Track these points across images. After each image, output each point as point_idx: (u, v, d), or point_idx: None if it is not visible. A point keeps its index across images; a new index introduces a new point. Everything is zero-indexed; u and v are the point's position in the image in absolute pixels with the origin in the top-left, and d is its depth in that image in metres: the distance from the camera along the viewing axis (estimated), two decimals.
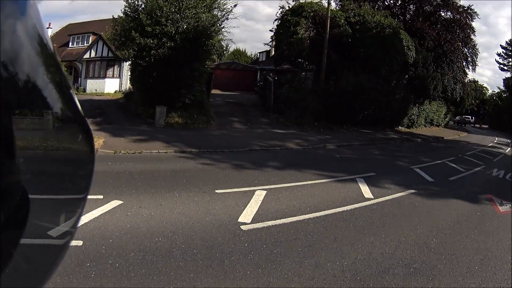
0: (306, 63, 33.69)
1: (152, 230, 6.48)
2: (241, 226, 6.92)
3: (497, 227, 9.36)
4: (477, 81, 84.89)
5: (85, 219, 6.34)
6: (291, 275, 5.42)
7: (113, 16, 23.17)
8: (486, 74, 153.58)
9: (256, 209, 7.92)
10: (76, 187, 1.02)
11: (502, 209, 11.09)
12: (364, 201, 9.68)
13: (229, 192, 8.91)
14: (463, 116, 79.85)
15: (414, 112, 38.23)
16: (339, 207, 8.88)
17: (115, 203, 7.58)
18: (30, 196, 0.79)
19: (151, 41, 19.65)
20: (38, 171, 0.91)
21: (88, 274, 4.74)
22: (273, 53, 41.57)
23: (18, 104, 0.78)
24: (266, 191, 9.23)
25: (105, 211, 7.13)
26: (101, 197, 7.73)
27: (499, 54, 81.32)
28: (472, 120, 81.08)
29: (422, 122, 41.29)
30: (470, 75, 74.64)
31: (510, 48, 78.39)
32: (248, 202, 8.30)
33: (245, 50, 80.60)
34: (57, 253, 0.96)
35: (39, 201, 0.87)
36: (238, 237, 6.46)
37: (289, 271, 5.52)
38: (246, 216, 7.48)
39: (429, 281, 5.97)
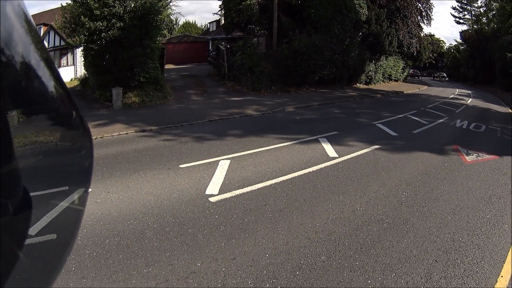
0: (257, 28, 33.83)
1: (123, 214, 6.48)
2: (209, 199, 7.03)
3: (466, 176, 9.77)
4: (434, 35, 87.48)
5: (54, 212, 6.26)
6: (265, 242, 5.58)
7: (61, 4, 22.76)
8: (443, 27, 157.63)
9: (222, 180, 8.03)
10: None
11: (469, 158, 11.61)
12: (329, 161, 9.94)
13: (193, 166, 8.95)
14: (439, 73, 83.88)
15: (371, 69, 38.98)
16: (305, 168, 9.11)
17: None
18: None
19: (101, 24, 19.44)
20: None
21: (69, 268, 4.73)
22: (223, 22, 41.36)
23: (17, 86, 0.81)
24: (230, 160, 9.38)
25: None
26: (67, 188, 7.56)
27: (454, 8, 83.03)
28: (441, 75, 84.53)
29: (380, 78, 42.34)
30: (426, 29, 76.52)
31: (465, 2, 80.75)
32: (213, 174, 8.40)
33: (195, 22, 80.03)
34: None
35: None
36: (208, 210, 6.55)
37: (263, 238, 5.69)
38: (213, 187, 7.59)
39: (404, 235, 6.22)
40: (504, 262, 5.75)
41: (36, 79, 0.88)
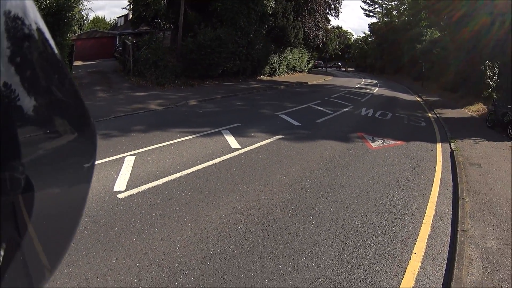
0: (164, 22, 33.82)
1: None
2: (117, 195, 7.01)
3: (371, 162, 10.29)
4: (341, 27, 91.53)
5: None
6: (174, 235, 5.68)
7: None
8: (351, 20, 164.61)
9: (129, 176, 8.00)
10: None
11: (374, 145, 12.15)
12: (232, 152, 10.11)
13: (100, 163, 8.72)
14: (333, 63, 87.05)
15: (276, 61, 39.78)
16: (208, 161, 9.24)
17: None
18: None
19: None
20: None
21: None
22: (131, 16, 40.49)
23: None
24: (135, 156, 9.33)
25: None
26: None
27: (364, 1, 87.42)
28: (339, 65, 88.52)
29: (285, 69, 43.55)
30: (334, 22, 79.77)
31: None
32: (120, 170, 8.33)
33: (104, 17, 77.61)
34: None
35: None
36: (117, 207, 6.55)
37: (171, 231, 5.78)
38: (120, 184, 7.55)
39: (310, 220, 6.46)
40: (416, 240, 6.14)
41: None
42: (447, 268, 5.40)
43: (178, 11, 28.22)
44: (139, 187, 7.36)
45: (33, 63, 0.94)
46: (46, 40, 1.00)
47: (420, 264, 5.43)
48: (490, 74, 24.49)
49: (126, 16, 51.43)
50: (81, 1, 22.40)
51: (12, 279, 0.89)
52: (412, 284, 4.92)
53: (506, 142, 14.27)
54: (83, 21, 63.84)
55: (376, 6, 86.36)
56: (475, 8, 25.90)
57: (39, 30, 0.95)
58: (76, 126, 1.12)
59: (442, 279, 5.15)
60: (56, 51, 1.04)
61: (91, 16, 73.01)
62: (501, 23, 23.28)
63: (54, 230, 1.09)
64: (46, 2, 19.41)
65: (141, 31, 36.90)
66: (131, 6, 34.44)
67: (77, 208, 1.17)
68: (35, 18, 0.93)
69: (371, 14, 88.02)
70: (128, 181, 7.65)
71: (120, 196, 6.93)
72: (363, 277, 4.93)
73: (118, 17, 60.34)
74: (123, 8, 56.87)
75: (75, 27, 35.47)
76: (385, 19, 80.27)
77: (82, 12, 30.07)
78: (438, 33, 47.26)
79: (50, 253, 1.05)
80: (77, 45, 33.96)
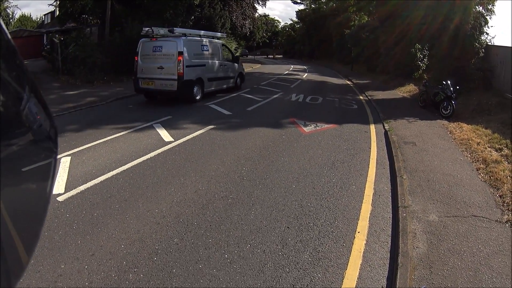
0: (91, 18, 33.27)
1: None
2: (57, 198, 6.87)
3: (306, 146, 10.50)
4: (268, 15, 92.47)
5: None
6: (117, 233, 5.66)
7: None
8: (278, 7, 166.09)
9: (66, 177, 7.86)
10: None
11: (307, 129, 12.37)
12: (165, 145, 10.11)
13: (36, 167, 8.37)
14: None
15: None
16: (143, 156, 9.23)
17: None
18: None
19: None
20: None
21: None
22: (58, 13, 39.20)
23: None
24: (70, 157, 9.17)
25: None
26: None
27: None
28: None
29: None
30: (261, 10, 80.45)
31: None
32: (57, 172, 8.13)
33: (30, 15, 74.38)
34: None
35: None
36: (58, 210, 6.43)
37: (115, 230, 5.76)
38: (59, 186, 7.40)
39: (250, 207, 6.58)
40: (358, 219, 6.35)
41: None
42: (392, 244, 5.63)
43: (105, 6, 27.73)
44: (77, 188, 7.26)
45: None
46: (4, 32, 1.03)
47: (365, 242, 5.62)
48: (420, 56, 25.43)
49: (53, 13, 50.50)
50: None
51: None
52: (360, 262, 5.10)
53: (439, 121, 14.81)
54: (9, 20, 61.63)
55: None
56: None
57: None
58: (39, 120, 1.17)
59: (389, 254, 5.37)
60: (10, 37, 1.06)
61: (17, 15, 70.48)
62: (427, 14, 24.12)
63: (26, 221, 1.12)
64: None
65: (68, 27, 36.28)
66: (58, 3, 33.38)
67: (43, 202, 1.24)
68: None
69: (298, 1, 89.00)
70: (66, 182, 7.52)
71: (60, 198, 6.82)
72: (310, 259, 5.07)
73: (44, 14, 59.75)
74: (50, 4, 55.30)
75: None
76: (312, 6, 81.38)
77: (8, 10, 29.01)
78: (366, 18, 48.49)
79: (26, 243, 1.09)
80: None
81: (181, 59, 16.23)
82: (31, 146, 1.12)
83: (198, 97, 17.52)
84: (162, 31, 17.31)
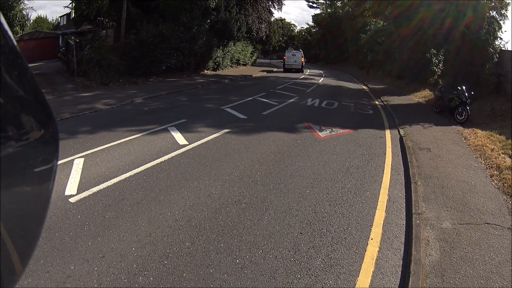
0: (106, 20, 33.18)
1: None
2: (69, 199, 6.88)
3: (320, 151, 10.43)
4: (284, 19, 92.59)
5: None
6: (129, 236, 5.65)
7: None
8: (294, 11, 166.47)
9: (79, 179, 7.86)
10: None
11: (322, 134, 12.30)
12: (180, 149, 10.06)
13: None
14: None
15: (219, 55, 39.71)
16: (157, 158, 9.19)
17: None
18: None
19: None
20: None
21: None
22: (73, 15, 39.73)
23: None
24: (84, 158, 9.18)
25: None
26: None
27: None
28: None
29: (228, 63, 43.70)
30: (277, 14, 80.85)
31: None
32: (70, 173, 8.16)
33: (46, 17, 75.28)
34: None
35: None
36: (70, 211, 6.43)
37: (126, 232, 5.74)
38: (71, 188, 7.41)
39: (263, 212, 6.53)
40: (371, 226, 6.29)
41: None
42: (405, 251, 5.58)
43: (121, 8, 27.78)
44: (90, 190, 7.25)
45: None
46: (6, 32, 1.01)
47: (378, 249, 5.58)
48: (435, 62, 25.23)
49: (68, 15, 50.56)
50: (22, 0, 21.74)
51: None
52: (372, 269, 5.05)
53: (453, 126, 14.74)
54: (25, 21, 62.29)
55: None
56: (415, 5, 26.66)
57: None
58: (41, 122, 1.15)
59: (401, 261, 5.32)
60: (15, 43, 1.04)
61: (33, 16, 71.15)
62: (442, 18, 24.02)
63: (22, 229, 1.09)
64: None
65: (84, 30, 36.16)
66: (73, 5, 33.54)
67: (42, 207, 1.18)
68: None
69: (314, 5, 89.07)
70: (78, 184, 7.51)
71: (72, 200, 6.81)
72: (322, 265, 5.02)
73: (60, 16, 59.84)
74: (65, 6, 55.77)
75: (17, 27, 34.51)
76: (328, 10, 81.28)
77: (24, 12, 29.22)
78: (382, 23, 48.42)
79: (20, 252, 1.06)
80: (20, 47, 33.09)
81: (303, 59, 46.81)
82: (29, 149, 1.08)
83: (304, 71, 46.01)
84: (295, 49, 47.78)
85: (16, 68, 1.02)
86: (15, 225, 1.03)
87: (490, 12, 22.78)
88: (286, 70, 45.86)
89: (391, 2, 30.81)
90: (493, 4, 22.90)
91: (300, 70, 46.00)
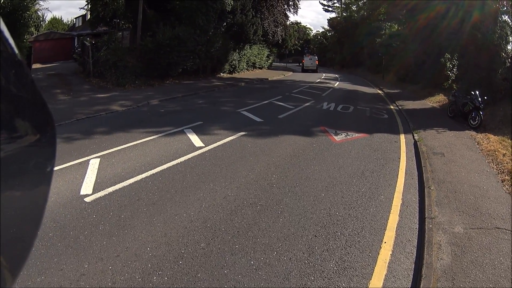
0: (122, 22, 33.48)
1: None
2: (84, 199, 6.95)
3: (336, 155, 10.43)
4: (300, 23, 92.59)
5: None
6: (144, 236, 5.68)
7: None
8: (310, 15, 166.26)
9: (95, 179, 7.93)
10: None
11: (338, 138, 12.31)
12: (196, 151, 10.11)
13: (65, 167, 8.65)
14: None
15: (235, 58, 40.12)
16: (173, 160, 9.24)
17: None
18: None
19: None
20: None
21: None
22: (89, 16, 39.90)
23: None
24: (100, 158, 9.25)
25: None
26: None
27: None
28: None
29: (244, 66, 43.95)
30: (293, 18, 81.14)
31: None
32: (85, 173, 8.25)
33: (61, 18, 75.73)
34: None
35: None
36: (85, 210, 6.49)
37: (141, 232, 5.78)
38: (87, 187, 7.49)
39: (278, 215, 6.54)
40: (385, 229, 6.29)
41: None
42: (417, 255, 5.59)
43: (137, 10, 27.85)
44: (105, 190, 7.31)
45: None
46: (6, 40, 1.00)
47: (391, 252, 5.58)
48: (449, 66, 25.11)
49: (84, 16, 50.74)
50: (37, 0, 21.88)
51: None
52: (385, 272, 5.05)
53: (467, 131, 14.64)
54: (40, 22, 62.67)
55: (335, 1, 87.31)
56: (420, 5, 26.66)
57: None
58: (38, 127, 1.15)
59: (413, 265, 5.32)
60: (16, 51, 1.04)
61: (48, 17, 71.63)
62: (455, 11, 23.94)
63: (15, 234, 1.09)
64: (0, 2, 18.91)
65: (99, 31, 36.40)
66: (89, 6, 33.75)
67: (38, 212, 1.19)
68: None
69: (330, 9, 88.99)
70: (94, 184, 7.59)
71: (87, 199, 6.87)
72: (335, 268, 5.03)
73: (75, 18, 60.06)
74: (81, 8, 56.50)
75: (32, 28, 34.78)
76: (344, 14, 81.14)
77: (39, 13, 29.43)
78: (396, 27, 48.26)
79: (11, 259, 1.06)
80: (35, 47, 33.51)
81: (317, 62, 61.07)
82: (25, 153, 1.10)
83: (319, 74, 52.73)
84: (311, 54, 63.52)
85: (16, 74, 1.03)
86: (9, 230, 1.02)
87: (503, 16, 22.59)
88: (304, 71, 58.42)
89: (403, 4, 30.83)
90: (505, 8, 22.69)
91: (315, 71, 58.94)
